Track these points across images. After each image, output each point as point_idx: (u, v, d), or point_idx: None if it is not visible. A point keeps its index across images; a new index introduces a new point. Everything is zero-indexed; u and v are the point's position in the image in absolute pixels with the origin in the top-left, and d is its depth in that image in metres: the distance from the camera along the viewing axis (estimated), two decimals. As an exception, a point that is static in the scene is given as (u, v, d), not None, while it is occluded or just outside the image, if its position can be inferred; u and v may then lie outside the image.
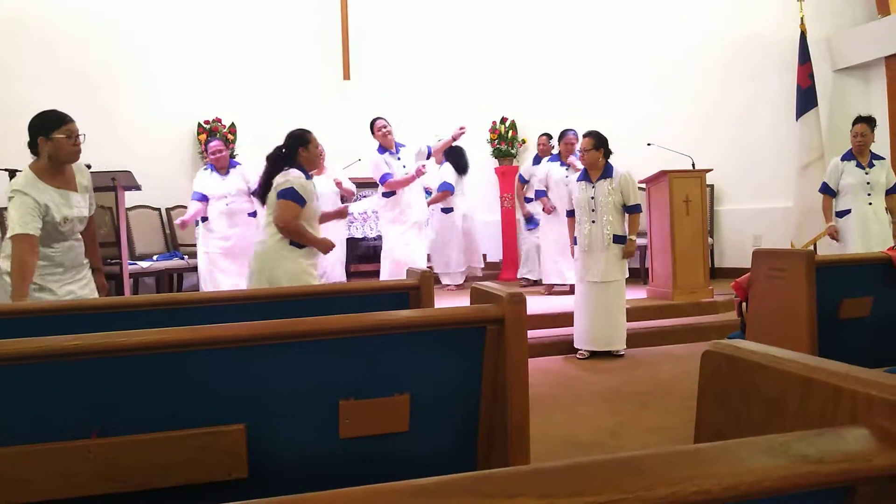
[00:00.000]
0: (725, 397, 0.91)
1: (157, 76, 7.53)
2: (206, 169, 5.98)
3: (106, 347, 1.51)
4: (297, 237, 3.67)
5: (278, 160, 3.82)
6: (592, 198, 4.93)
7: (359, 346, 1.67)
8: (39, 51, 6.57)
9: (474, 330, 1.74)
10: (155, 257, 6.94)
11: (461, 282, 7.58)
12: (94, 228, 3.53)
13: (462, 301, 6.04)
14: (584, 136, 5.02)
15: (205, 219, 5.88)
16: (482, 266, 7.89)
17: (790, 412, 0.80)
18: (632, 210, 4.98)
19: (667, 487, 0.59)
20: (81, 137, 3.24)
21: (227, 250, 5.91)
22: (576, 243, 5.06)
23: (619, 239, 4.94)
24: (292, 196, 3.63)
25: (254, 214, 6.14)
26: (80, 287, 3.40)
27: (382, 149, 6.23)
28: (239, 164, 6.24)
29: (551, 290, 6.86)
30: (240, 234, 5.93)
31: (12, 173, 4.77)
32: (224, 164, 5.90)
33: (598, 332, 5.02)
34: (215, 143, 5.98)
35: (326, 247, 3.82)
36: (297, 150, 3.82)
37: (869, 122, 5.29)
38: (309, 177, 3.85)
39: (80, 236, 3.42)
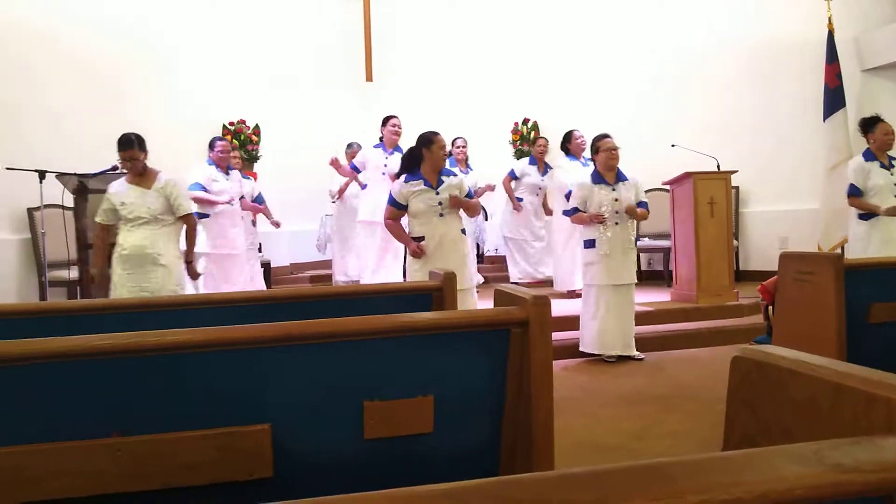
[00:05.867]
0: (755, 403, 0.90)
1: (181, 79, 7.61)
2: (210, 165, 5.90)
3: (135, 347, 1.53)
4: None
5: None
6: (616, 199, 4.89)
7: (383, 348, 1.67)
8: (61, 57, 6.66)
9: (498, 332, 1.73)
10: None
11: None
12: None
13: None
14: (608, 136, 4.99)
15: (204, 215, 5.68)
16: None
17: (822, 419, 0.79)
18: (645, 205, 5.03)
19: (697, 495, 0.59)
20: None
21: (230, 251, 5.87)
22: (590, 245, 4.94)
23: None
24: None
25: (242, 218, 6.16)
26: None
27: (380, 144, 6.29)
28: (234, 169, 6.24)
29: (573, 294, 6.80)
30: (237, 234, 5.94)
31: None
32: (225, 165, 5.92)
33: (625, 335, 4.99)
34: (225, 143, 5.99)
35: None
36: None
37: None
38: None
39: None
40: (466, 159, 7.26)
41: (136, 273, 4.10)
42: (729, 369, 0.96)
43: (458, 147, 7.19)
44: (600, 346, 4.98)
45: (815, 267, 2.94)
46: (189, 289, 5.38)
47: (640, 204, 4.99)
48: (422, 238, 4.35)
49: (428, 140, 4.39)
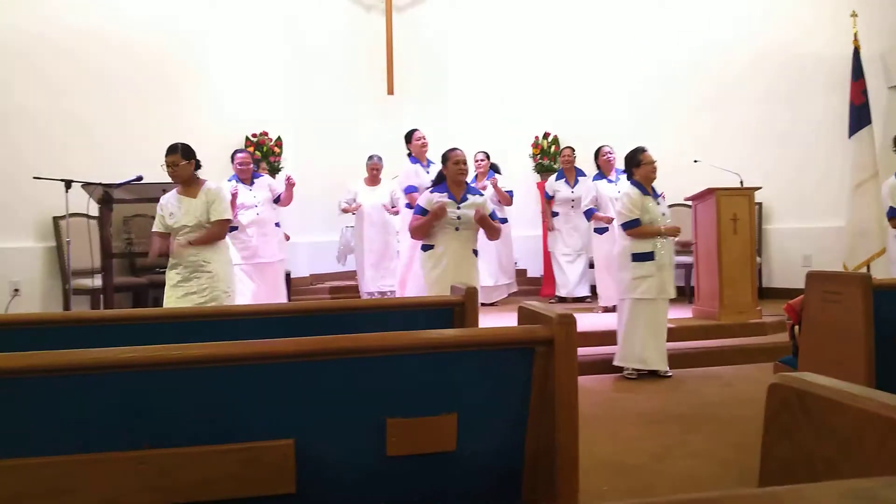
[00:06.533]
0: (794, 432, 0.88)
1: (208, 91, 7.69)
2: (230, 180, 5.94)
3: (159, 360, 1.53)
4: None
5: None
6: (664, 214, 4.92)
7: (407, 364, 1.66)
8: (92, 68, 6.76)
9: (523, 350, 1.72)
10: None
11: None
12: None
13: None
14: (646, 150, 4.97)
15: (234, 228, 5.67)
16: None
17: (868, 453, 0.76)
18: None
19: (744, 531, 0.57)
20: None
21: (258, 260, 5.89)
22: (645, 258, 4.82)
23: None
24: None
25: (278, 224, 6.17)
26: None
27: (415, 159, 6.28)
28: (262, 175, 6.26)
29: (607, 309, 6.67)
30: (267, 242, 5.95)
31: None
32: (248, 176, 5.95)
33: (663, 349, 4.95)
34: (244, 155, 6.04)
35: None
36: None
37: None
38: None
39: None
40: (494, 169, 7.23)
41: (185, 280, 4.18)
42: (766, 396, 0.94)
43: (477, 161, 7.19)
44: (644, 361, 4.92)
45: (843, 287, 2.89)
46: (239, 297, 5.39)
47: None
48: (432, 246, 4.48)
49: (444, 157, 4.61)
